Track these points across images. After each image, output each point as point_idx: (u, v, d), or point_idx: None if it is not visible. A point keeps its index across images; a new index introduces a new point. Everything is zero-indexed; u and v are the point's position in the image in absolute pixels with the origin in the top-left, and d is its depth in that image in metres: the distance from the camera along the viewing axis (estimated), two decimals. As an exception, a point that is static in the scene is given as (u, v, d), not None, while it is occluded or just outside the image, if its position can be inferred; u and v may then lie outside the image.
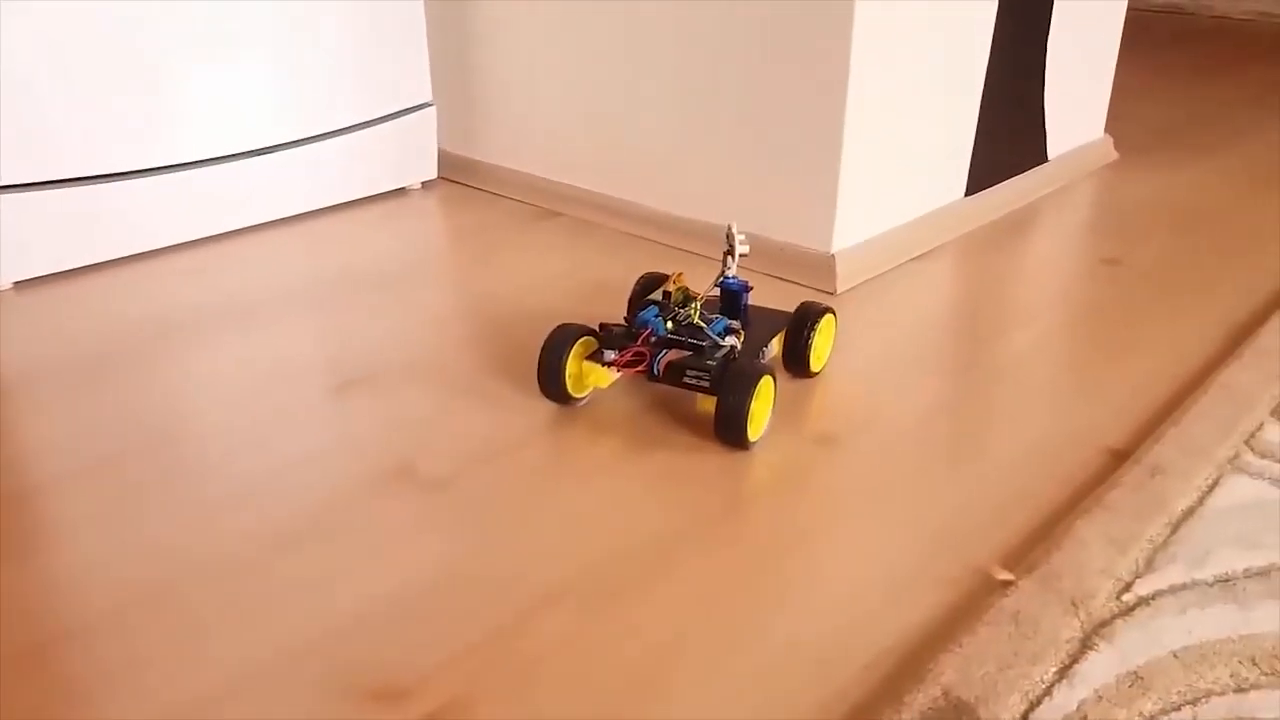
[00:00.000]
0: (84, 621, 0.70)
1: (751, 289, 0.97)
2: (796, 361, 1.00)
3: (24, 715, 0.63)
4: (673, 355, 0.91)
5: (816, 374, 1.02)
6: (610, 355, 0.92)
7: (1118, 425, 0.94)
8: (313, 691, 0.64)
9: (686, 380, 0.90)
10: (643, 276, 1.05)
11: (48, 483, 0.86)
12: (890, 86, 1.22)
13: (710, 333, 0.92)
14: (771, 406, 0.92)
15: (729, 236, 0.95)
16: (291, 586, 0.74)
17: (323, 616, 0.71)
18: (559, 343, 0.93)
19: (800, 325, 0.99)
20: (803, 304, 1.00)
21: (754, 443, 0.89)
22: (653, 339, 0.92)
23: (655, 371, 0.91)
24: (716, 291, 0.97)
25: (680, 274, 0.99)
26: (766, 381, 0.89)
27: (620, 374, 0.93)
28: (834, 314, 1.02)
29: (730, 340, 0.92)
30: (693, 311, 0.93)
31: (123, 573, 0.75)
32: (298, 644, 0.68)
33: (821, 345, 1.01)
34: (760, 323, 0.99)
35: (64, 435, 0.93)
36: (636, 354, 0.91)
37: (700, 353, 0.91)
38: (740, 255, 0.95)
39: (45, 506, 0.83)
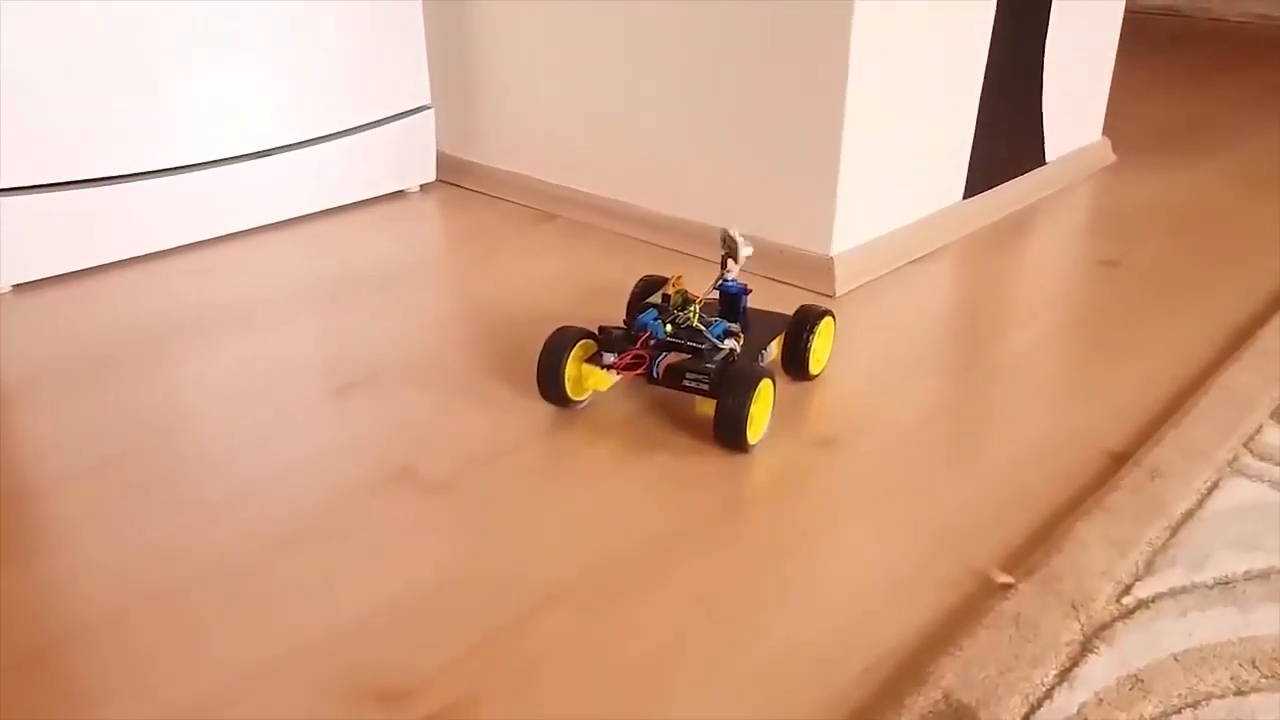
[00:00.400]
0: (85, 622, 0.70)
1: (750, 292, 0.98)
2: (795, 364, 1.00)
3: (25, 716, 0.63)
4: (672, 358, 0.91)
5: (815, 377, 1.02)
6: (609, 358, 0.92)
7: (1117, 427, 0.94)
8: (314, 693, 0.64)
9: (686, 383, 0.90)
10: (642, 279, 1.05)
11: (48, 484, 0.86)
12: (889, 88, 1.22)
13: (709, 335, 0.92)
14: (771, 409, 0.92)
15: (726, 240, 0.95)
16: (293, 588, 0.74)
17: (324, 618, 0.71)
18: (558, 345, 0.93)
19: (799, 328, 0.99)
20: (801, 307, 1.00)
21: (753, 445, 0.90)
22: (652, 342, 0.92)
23: (655, 374, 0.91)
24: (716, 294, 0.97)
25: (679, 277, 0.99)
26: (766, 384, 0.89)
27: (619, 377, 0.93)
28: (833, 317, 1.02)
29: (730, 343, 0.92)
30: (692, 314, 0.93)
31: (124, 574, 0.75)
32: (299, 645, 0.68)
33: (820, 348, 1.01)
34: (759, 325, 0.99)
35: (65, 437, 0.93)
36: (636, 357, 0.91)
37: (700, 356, 0.91)
38: (745, 257, 0.94)
39: (46, 508, 0.83)
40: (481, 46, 1.54)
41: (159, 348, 1.10)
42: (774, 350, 1.00)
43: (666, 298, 0.97)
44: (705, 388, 0.89)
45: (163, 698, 0.64)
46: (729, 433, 0.88)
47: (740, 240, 0.95)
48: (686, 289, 0.98)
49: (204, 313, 1.18)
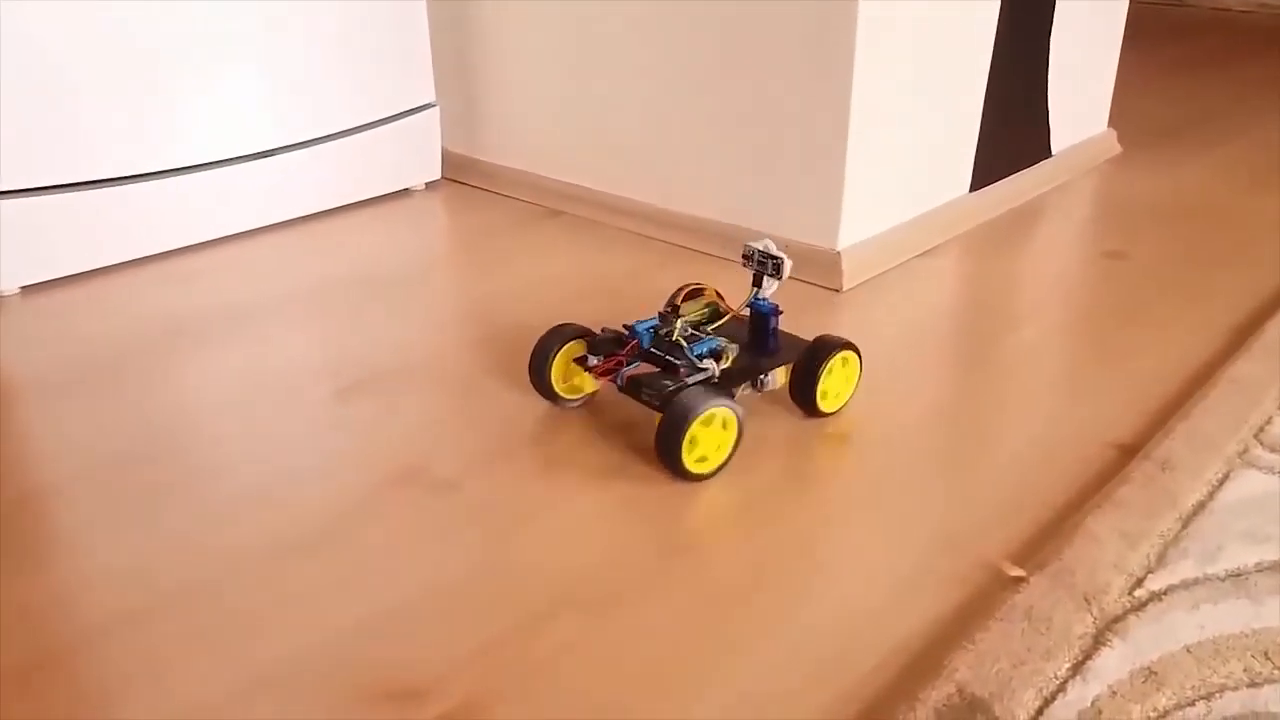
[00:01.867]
0: (98, 624, 0.71)
1: (782, 313, 0.93)
2: (801, 398, 0.94)
3: (39, 718, 0.63)
4: (641, 369, 0.89)
5: (831, 414, 0.95)
6: (593, 360, 0.92)
7: (1126, 420, 0.94)
8: (326, 692, 0.65)
9: (642, 396, 0.87)
10: (683, 287, 0.97)
11: (58, 485, 0.86)
12: (895, 82, 1.22)
13: (688, 353, 0.88)
14: (732, 445, 0.86)
15: (759, 255, 0.90)
16: (303, 588, 0.74)
17: (335, 617, 0.71)
18: (546, 345, 0.93)
19: (809, 361, 0.92)
20: (818, 339, 0.93)
21: (698, 475, 0.85)
22: (637, 350, 0.91)
23: (619, 382, 0.89)
24: (745, 311, 0.93)
25: (711, 289, 0.95)
26: (715, 414, 0.83)
27: (601, 381, 0.93)
28: (855, 351, 0.94)
29: (709, 364, 0.88)
30: (675, 329, 0.91)
31: (135, 575, 0.75)
32: (311, 645, 0.68)
33: (834, 388, 0.94)
34: (786, 350, 0.94)
35: (74, 438, 0.93)
36: (617, 363, 0.90)
37: (670, 371, 0.88)
38: (789, 268, 0.90)
39: (56, 509, 0.83)
40: (486, 44, 1.54)
41: (166, 349, 1.10)
42: (781, 378, 0.94)
43: (675, 308, 0.95)
44: (656, 404, 0.86)
45: (177, 699, 0.64)
46: (661, 452, 0.84)
47: (783, 256, 0.90)
48: (718, 300, 0.94)
49: (211, 313, 1.18)
